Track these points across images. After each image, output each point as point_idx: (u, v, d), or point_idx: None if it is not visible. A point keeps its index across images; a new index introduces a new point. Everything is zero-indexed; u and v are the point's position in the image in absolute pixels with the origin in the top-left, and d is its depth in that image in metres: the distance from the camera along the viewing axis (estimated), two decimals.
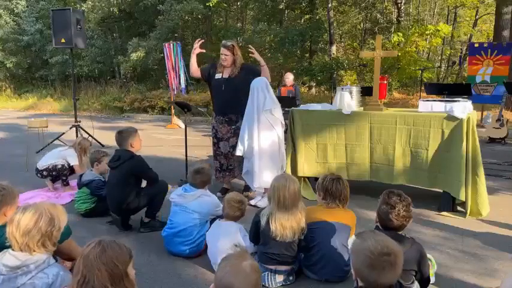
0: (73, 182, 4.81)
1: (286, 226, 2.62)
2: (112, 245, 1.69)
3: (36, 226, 1.96)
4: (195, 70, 4.66)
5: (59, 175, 4.73)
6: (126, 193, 3.56)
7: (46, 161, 4.69)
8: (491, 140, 7.97)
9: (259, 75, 4.32)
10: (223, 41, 4.49)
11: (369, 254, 1.63)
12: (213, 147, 4.64)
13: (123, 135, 3.71)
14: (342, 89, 4.63)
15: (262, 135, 4.06)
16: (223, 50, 4.37)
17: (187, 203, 3.17)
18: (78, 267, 1.65)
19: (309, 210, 2.83)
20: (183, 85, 10.04)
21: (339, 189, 2.80)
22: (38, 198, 4.47)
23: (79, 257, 1.68)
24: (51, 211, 2.05)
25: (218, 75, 4.47)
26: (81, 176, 4.20)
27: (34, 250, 1.98)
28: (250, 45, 4.47)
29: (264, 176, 4.06)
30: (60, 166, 4.69)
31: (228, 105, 4.43)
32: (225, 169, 4.58)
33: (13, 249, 2.00)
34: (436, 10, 19.60)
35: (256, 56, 4.45)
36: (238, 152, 4.19)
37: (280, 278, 2.71)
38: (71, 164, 4.75)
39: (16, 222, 1.97)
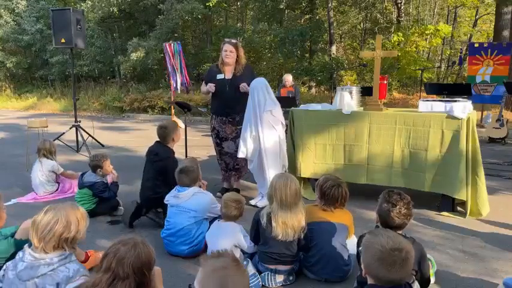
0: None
1: (288, 225, 2.63)
2: (145, 251, 1.69)
3: (51, 231, 2.00)
4: (207, 92, 4.58)
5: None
6: (157, 186, 3.74)
7: (42, 187, 4.64)
8: (491, 140, 7.98)
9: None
10: (226, 38, 4.42)
11: (380, 248, 1.65)
12: (217, 147, 4.58)
13: (166, 131, 3.89)
14: (342, 89, 4.62)
15: (265, 136, 4.06)
16: (227, 46, 4.29)
17: (182, 202, 3.17)
18: (109, 265, 1.64)
19: (307, 210, 2.82)
20: (183, 85, 10.06)
21: (335, 195, 2.79)
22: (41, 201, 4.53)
23: (111, 253, 1.66)
24: (70, 216, 2.08)
25: (220, 76, 4.38)
26: (82, 175, 4.19)
27: (50, 252, 2.01)
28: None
29: (269, 177, 4.04)
30: (54, 187, 4.73)
31: (231, 105, 4.37)
32: (232, 168, 4.55)
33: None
34: (436, 10, 19.59)
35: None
36: (241, 154, 4.16)
37: (280, 278, 2.71)
38: (58, 173, 4.75)
39: (36, 225, 2.01)
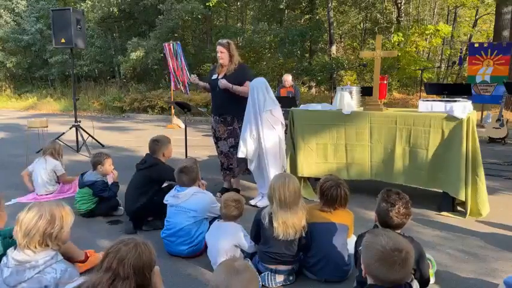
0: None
1: (288, 224, 2.62)
2: (146, 252, 1.68)
3: (35, 227, 1.99)
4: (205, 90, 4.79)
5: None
6: (140, 195, 3.67)
7: (43, 186, 4.63)
8: (491, 140, 7.98)
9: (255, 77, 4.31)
10: (218, 40, 4.51)
11: (380, 248, 1.65)
12: (215, 146, 4.66)
13: (158, 145, 3.86)
14: (342, 89, 4.63)
15: (265, 136, 4.05)
16: (218, 48, 4.37)
17: (182, 202, 3.17)
18: (110, 264, 1.62)
19: (308, 210, 2.81)
20: (183, 85, 10.07)
21: (334, 196, 2.78)
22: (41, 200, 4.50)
23: (112, 253, 1.65)
24: (54, 212, 2.07)
25: (214, 76, 4.48)
26: (82, 175, 4.19)
27: (36, 249, 2.01)
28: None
29: (269, 177, 4.04)
30: (55, 187, 4.71)
31: (222, 105, 4.43)
32: (225, 168, 4.58)
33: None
34: (436, 10, 19.60)
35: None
36: (241, 154, 4.16)
37: (280, 278, 2.71)
38: (58, 174, 4.71)
39: (20, 222, 2.02)
